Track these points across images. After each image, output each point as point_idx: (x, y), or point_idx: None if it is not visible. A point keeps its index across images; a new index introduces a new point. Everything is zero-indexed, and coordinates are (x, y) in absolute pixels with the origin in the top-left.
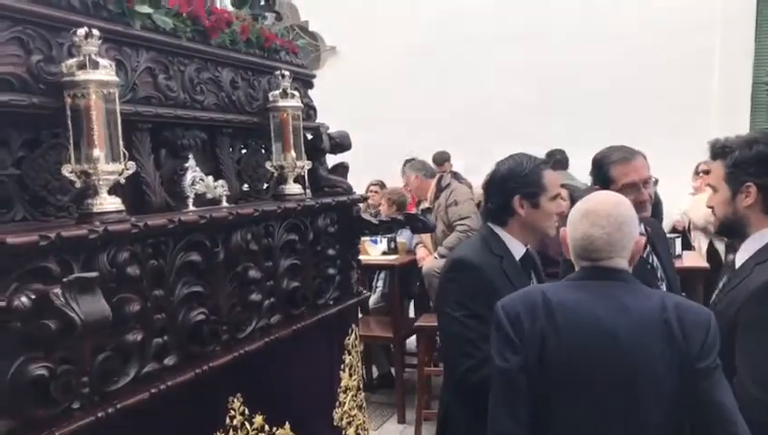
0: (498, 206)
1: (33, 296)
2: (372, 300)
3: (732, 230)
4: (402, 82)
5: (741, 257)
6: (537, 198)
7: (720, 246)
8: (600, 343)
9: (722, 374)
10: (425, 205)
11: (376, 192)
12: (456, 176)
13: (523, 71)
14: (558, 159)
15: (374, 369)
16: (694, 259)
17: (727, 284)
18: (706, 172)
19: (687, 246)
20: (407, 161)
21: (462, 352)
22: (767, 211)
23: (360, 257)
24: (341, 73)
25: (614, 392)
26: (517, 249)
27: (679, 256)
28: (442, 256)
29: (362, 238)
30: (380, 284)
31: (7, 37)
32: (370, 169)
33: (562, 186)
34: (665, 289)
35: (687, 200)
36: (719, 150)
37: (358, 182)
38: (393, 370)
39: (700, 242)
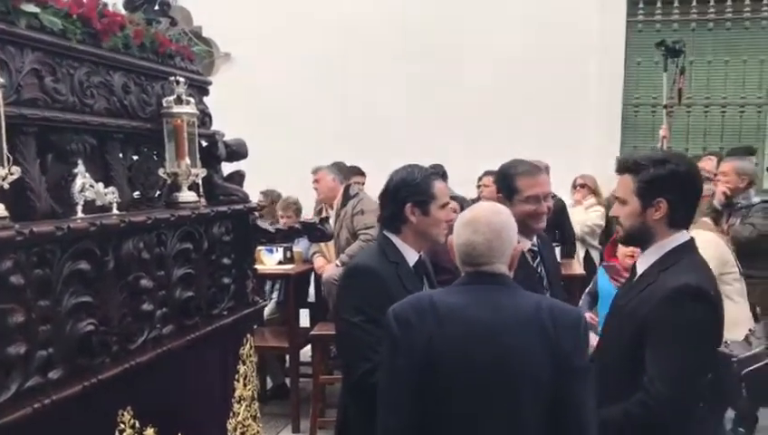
0: (392, 213)
1: None
2: (267, 310)
3: (637, 240)
4: (297, 91)
5: (641, 265)
6: (427, 205)
7: (595, 254)
8: (480, 343)
9: (592, 379)
10: (324, 214)
11: (261, 201)
12: None
13: (415, 86)
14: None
15: (268, 379)
16: (573, 267)
17: (630, 289)
18: (583, 186)
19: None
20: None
21: (359, 356)
22: (671, 224)
23: (256, 267)
24: (235, 80)
25: (495, 390)
26: (411, 256)
27: (560, 264)
28: (343, 264)
29: (258, 247)
30: (275, 294)
31: None
32: (263, 178)
33: (453, 198)
34: (548, 295)
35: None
36: (631, 166)
37: (249, 191)
38: (288, 380)
39: (578, 251)
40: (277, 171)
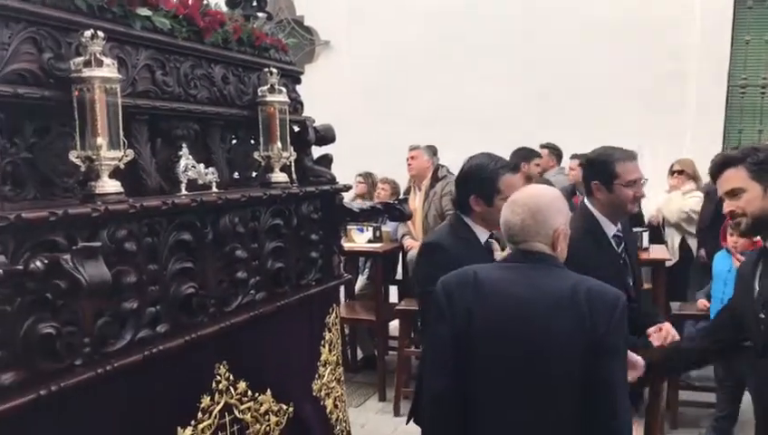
0: (461, 198)
1: (45, 261)
2: (359, 285)
3: (763, 226)
4: (392, 78)
5: None
6: (492, 198)
7: (692, 242)
8: (513, 318)
9: (624, 360)
10: (413, 193)
11: (361, 182)
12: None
13: (511, 70)
14: (555, 153)
15: (359, 351)
16: (660, 252)
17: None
18: (680, 172)
19: (659, 240)
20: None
21: None
22: None
23: (347, 244)
24: (335, 67)
25: (526, 365)
26: (482, 234)
27: (647, 249)
28: None
29: (349, 227)
30: (367, 270)
31: (23, 37)
32: (360, 160)
33: (546, 182)
34: (631, 282)
35: (662, 198)
36: (732, 159)
37: (347, 173)
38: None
39: (673, 238)
40: (373, 154)
